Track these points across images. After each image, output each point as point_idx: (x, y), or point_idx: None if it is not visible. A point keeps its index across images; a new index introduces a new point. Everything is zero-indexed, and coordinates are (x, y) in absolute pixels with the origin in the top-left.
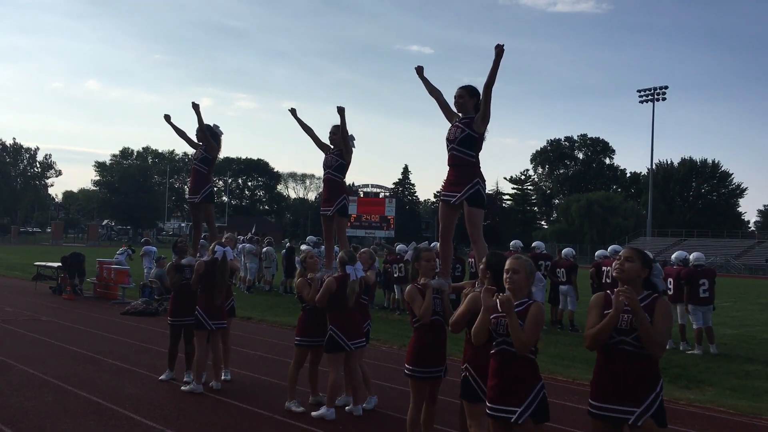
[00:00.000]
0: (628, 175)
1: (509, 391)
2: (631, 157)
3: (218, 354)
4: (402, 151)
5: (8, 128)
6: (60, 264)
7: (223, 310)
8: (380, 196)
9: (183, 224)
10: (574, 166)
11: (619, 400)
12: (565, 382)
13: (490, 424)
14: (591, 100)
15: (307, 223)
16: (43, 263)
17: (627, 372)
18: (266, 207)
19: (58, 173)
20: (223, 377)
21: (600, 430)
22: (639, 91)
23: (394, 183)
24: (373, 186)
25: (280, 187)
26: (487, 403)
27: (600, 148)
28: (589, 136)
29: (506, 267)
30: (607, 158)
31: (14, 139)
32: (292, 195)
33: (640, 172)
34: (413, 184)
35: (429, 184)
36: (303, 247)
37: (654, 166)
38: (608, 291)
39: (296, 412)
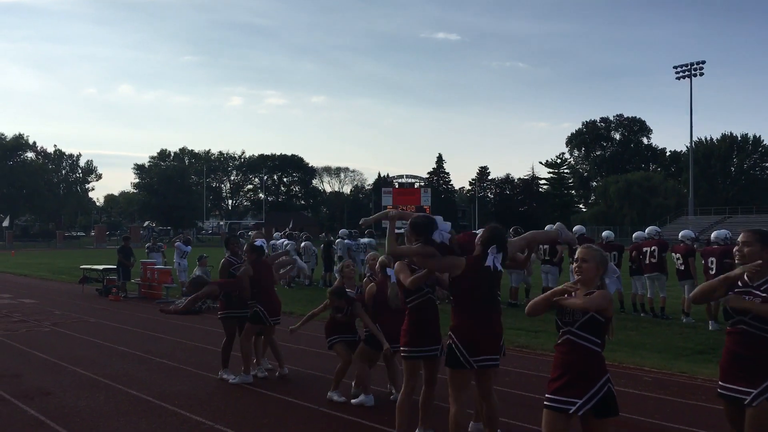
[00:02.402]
0: (668, 153)
1: (571, 382)
2: (670, 136)
3: (275, 344)
4: (435, 141)
5: (49, 136)
6: (117, 252)
7: (279, 306)
8: (415, 186)
9: (221, 223)
10: (611, 147)
11: (737, 381)
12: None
13: (548, 415)
14: (626, 79)
15: (344, 217)
16: (89, 266)
17: (744, 353)
18: (302, 202)
19: (99, 177)
20: (278, 372)
21: (727, 411)
22: (675, 67)
23: (428, 172)
24: (407, 176)
25: (315, 182)
26: (547, 394)
27: (637, 127)
28: (625, 116)
29: (576, 256)
30: (645, 138)
31: (55, 146)
32: (327, 189)
33: (680, 151)
34: (448, 173)
35: (464, 172)
36: (337, 240)
37: (693, 144)
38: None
39: (338, 402)
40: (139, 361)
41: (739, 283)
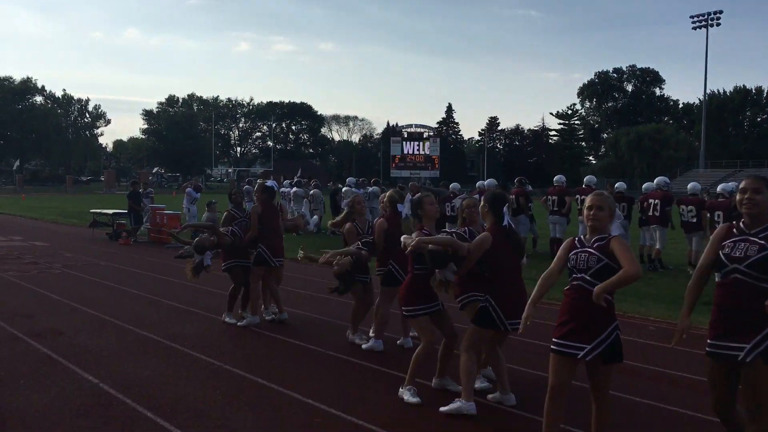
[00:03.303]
0: (681, 105)
1: (580, 328)
2: (683, 88)
3: (275, 289)
4: (445, 90)
5: (57, 80)
6: (127, 197)
7: (282, 247)
8: (424, 136)
9: (230, 170)
10: (623, 99)
11: (729, 336)
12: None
13: (555, 360)
14: (640, 29)
15: (352, 166)
16: (99, 210)
17: (739, 304)
18: (311, 150)
19: (108, 122)
20: (278, 317)
21: (715, 371)
22: (692, 16)
23: (438, 122)
24: (416, 126)
25: (323, 130)
26: (555, 339)
27: (650, 78)
28: (638, 67)
29: (589, 203)
30: (658, 89)
31: (64, 90)
32: (336, 138)
33: (693, 103)
34: (457, 123)
35: (473, 122)
36: (344, 189)
37: (706, 96)
38: (733, 222)
39: (358, 343)
40: (149, 303)
41: (735, 231)
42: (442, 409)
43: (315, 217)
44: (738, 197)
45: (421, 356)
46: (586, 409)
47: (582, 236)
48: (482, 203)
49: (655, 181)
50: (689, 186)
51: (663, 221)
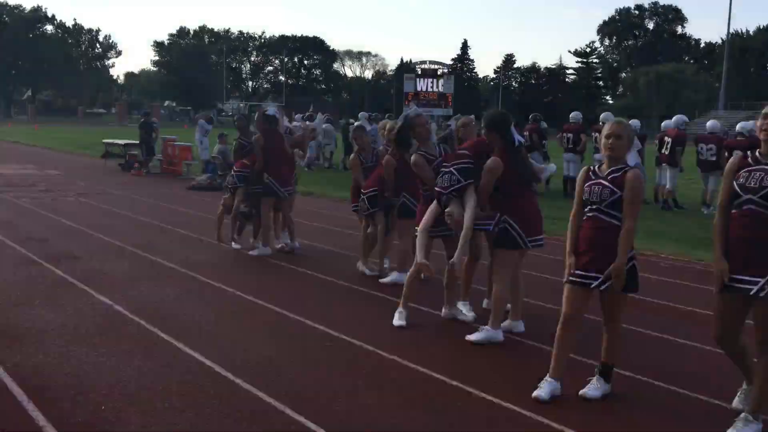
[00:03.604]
0: (702, 45)
1: (595, 259)
2: (706, 26)
3: (289, 218)
4: (460, 26)
5: (66, 9)
6: (138, 128)
7: (291, 176)
8: (438, 73)
9: (242, 104)
10: (644, 37)
11: (742, 270)
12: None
13: (570, 291)
14: None
15: (364, 102)
16: (111, 141)
17: (753, 237)
18: (323, 86)
19: (119, 54)
20: (292, 246)
21: (724, 304)
22: None
23: (452, 59)
24: (431, 62)
25: (336, 66)
26: (572, 270)
27: (672, 16)
28: (660, 4)
29: (607, 132)
30: (679, 27)
31: (75, 20)
32: (349, 74)
33: (714, 43)
34: (472, 60)
35: (489, 59)
36: (355, 123)
37: (729, 36)
38: (748, 152)
39: (367, 274)
40: (161, 231)
41: (750, 160)
42: (469, 337)
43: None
44: (759, 123)
45: (411, 278)
46: (597, 340)
47: (596, 167)
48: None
49: (673, 119)
50: (708, 124)
51: (672, 161)
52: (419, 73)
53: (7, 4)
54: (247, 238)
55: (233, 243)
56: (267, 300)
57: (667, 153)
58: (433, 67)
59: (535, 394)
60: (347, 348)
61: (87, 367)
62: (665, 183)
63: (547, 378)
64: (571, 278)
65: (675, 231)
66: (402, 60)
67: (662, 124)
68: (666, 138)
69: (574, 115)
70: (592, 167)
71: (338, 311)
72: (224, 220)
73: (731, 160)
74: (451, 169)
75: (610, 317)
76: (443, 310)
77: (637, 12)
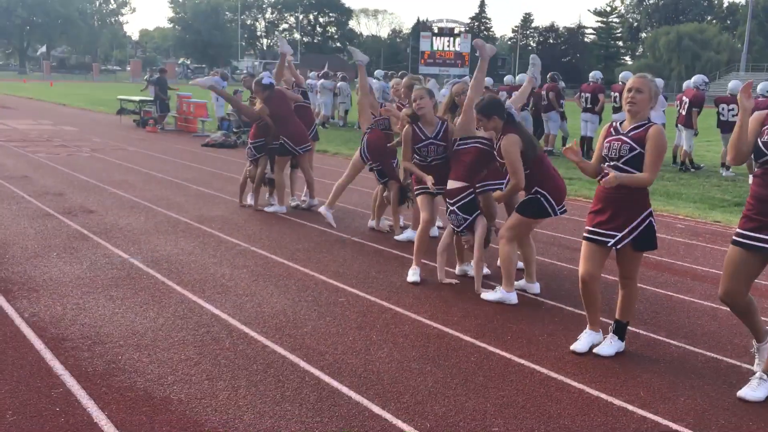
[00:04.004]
0: (725, 5)
1: (612, 216)
2: None
3: (309, 174)
4: None
5: None
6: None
7: (305, 133)
8: (455, 32)
9: (257, 62)
10: None
11: (765, 229)
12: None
13: (587, 247)
14: None
15: (380, 61)
16: (126, 97)
17: None
18: (338, 44)
19: (133, 10)
20: (311, 203)
21: (740, 261)
22: None
23: (469, 18)
24: (447, 21)
25: (352, 23)
26: (587, 227)
27: None
28: None
29: (629, 86)
30: None
31: None
32: (365, 32)
33: (738, 2)
34: (490, 19)
35: (507, 18)
36: (372, 81)
37: None
38: None
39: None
40: (176, 187)
41: None
42: (483, 295)
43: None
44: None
45: (421, 234)
46: (612, 298)
47: (618, 122)
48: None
49: (692, 78)
50: (730, 84)
51: (688, 122)
52: (435, 31)
53: None
54: (263, 195)
55: (244, 202)
56: (280, 255)
57: (684, 113)
58: (449, 25)
59: (572, 347)
60: (360, 303)
61: (103, 318)
62: (681, 144)
63: (587, 330)
64: (587, 236)
65: (692, 192)
66: (418, 18)
67: (684, 84)
68: (684, 98)
69: (594, 75)
70: (614, 123)
71: (352, 267)
72: (246, 186)
73: (755, 114)
74: (454, 208)
75: (626, 275)
76: (457, 268)
77: None
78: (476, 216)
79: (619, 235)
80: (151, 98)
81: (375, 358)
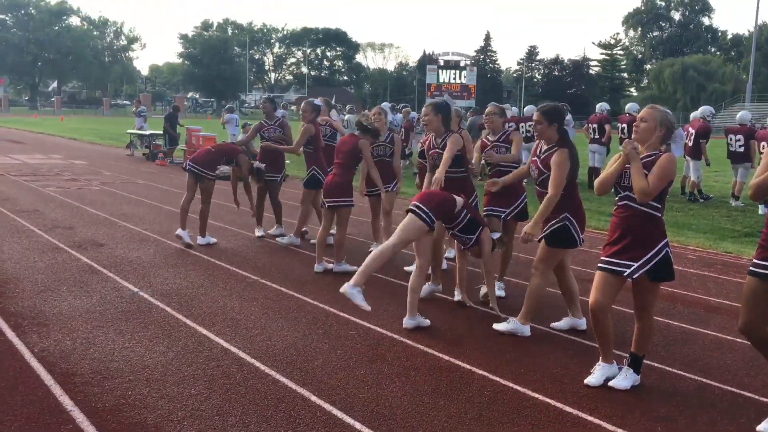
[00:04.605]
0: (729, 36)
1: (629, 246)
2: (733, 17)
3: (309, 209)
4: (483, 17)
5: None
6: (163, 128)
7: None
8: (461, 65)
9: (265, 95)
10: (670, 28)
11: None
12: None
13: (601, 278)
14: None
15: (387, 94)
16: (136, 131)
17: None
18: (345, 78)
19: (143, 46)
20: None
21: (758, 292)
22: None
23: (475, 51)
24: (453, 54)
25: (359, 57)
26: (602, 257)
27: (699, 7)
28: None
29: (638, 116)
30: (706, 18)
31: (100, 12)
32: (371, 65)
33: (742, 34)
34: (495, 52)
35: (511, 51)
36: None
37: (757, 27)
38: None
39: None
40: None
41: None
42: (495, 326)
43: None
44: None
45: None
46: (627, 330)
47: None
48: (539, 118)
49: (699, 109)
50: (738, 115)
51: (695, 153)
52: (442, 64)
53: None
54: (270, 225)
55: (256, 230)
56: (290, 287)
57: (691, 145)
58: (455, 58)
59: (587, 380)
60: (371, 335)
61: (113, 352)
62: (689, 175)
63: (600, 363)
64: (602, 266)
65: (702, 223)
66: (424, 51)
67: (691, 115)
68: (691, 129)
69: (600, 106)
70: None
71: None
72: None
73: None
74: (455, 232)
75: (642, 306)
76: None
77: (663, 3)
78: (480, 231)
79: (635, 265)
80: (161, 132)
81: (387, 392)
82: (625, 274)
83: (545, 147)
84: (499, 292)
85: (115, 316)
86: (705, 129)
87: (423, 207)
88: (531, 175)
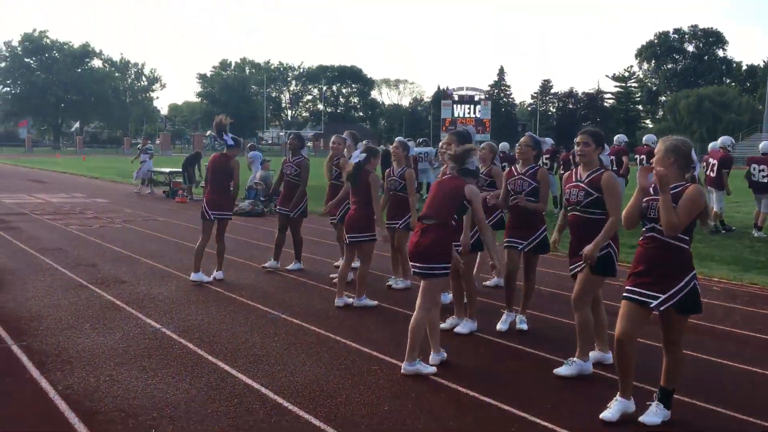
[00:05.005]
0: (744, 67)
1: (656, 278)
2: (747, 48)
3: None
4: (497, 52)
5: (114, 44)
6: (182, 166)
7: None
8: (475, 99)
9: (281, 133)
10: (684, 60)
11: None
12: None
13: (627, 307)
14: None
15: (402, 129)
16: (156, 169)
17: None
18: (360, 114)
19: (163, 86)
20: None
21: None
22: None
23: (489, 85)
24: (467, 89)
25: (374, 93)
26: (628, 287)
27: (712, 39)
28: (700, 27)
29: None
30: (720, 50)
31: (121, 54)
32: (386, 101)
33: (757, 65)
34: (509, 86)
35: (525, 85)
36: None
37: None
38: None
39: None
40: (206, 256)
41: None
42: (557, 371)
43: None
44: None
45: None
46: (656, 364)
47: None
48: (586, 139)
49: (719, 140)
50: (761, 145)
51: (718, 184)
52: (456, 99)
53: (57, 40)
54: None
55: (271, 263)
56: (312, 322)
57: (713, 176)
58: (469, 93)
59: (602, 415)
60: (394, 370)
61: (137, 390)
62: (712, 206)
63: (617, 397)
64: (627, 295)
65: (725, 254)
66: (438, 87)
67: (709, 145)
68: (711, 160)
69: (618, 138)
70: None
71: (382, 332)
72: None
73: None
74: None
75: (671, 339)
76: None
77: (676, 36)
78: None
79: (663, 297)
80: (180, 169)
81: (412, 428)
82: (652, 306)
83: (587, 171)
84: (522, 326)
85: (137, 353)
86: (727, 159)
87: (416, 264)
88: (568, 202)
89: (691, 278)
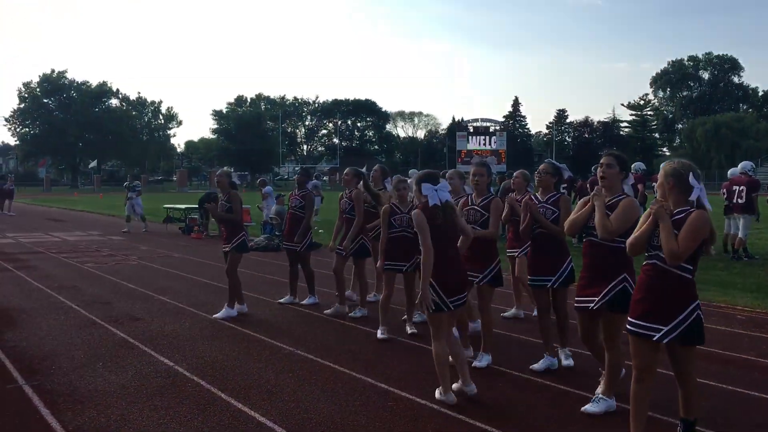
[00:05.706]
0: (760, 93)
1: (657, 308)
2: (763, 74)
3: (364, 279)
4: (511, 83)
5: (131, 83)
6: (197, 206)
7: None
8: (491, 130)
9: (297, 168)
10: (699, 88)
11: None
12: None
13: (634, 343)
14: (716, 14)
15: (417, 162)
16: (172, 206)
17: None
18: (376, 147)
19: (180, 124)
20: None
21: None
22: None
23: (504, 116)
24: (482, 120)
25: (389, 127)
26: (630, 319)
27: (728, 66)
28: (715, 54)
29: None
30: (736, 77)
31: (139, 93)
32: (402, 134)
33: None
34: (524, 116)
35: (541, 115)
36: (408, 181)
37: None
38: None
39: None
40: (221, 292)
41: None
42: (585, 408)
43: None
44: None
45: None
46: (671, 398)
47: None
48: (611, 161)
49: (739, 165)
50: None
51: (748, 209)
52: (471, 131)
53: (74, 80)
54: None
55: (288, 298)
56: (326, 358)
57: (741, 201)
58: (485, 124)
59: None
60: (410, 406)
61: (147, 429)
62: (735, 232)
63: None
64: (631, 329)
65: (748, 282)
66: (453, 118)
67: (729, 171)
68: (734, 187)
69: (635, 166)
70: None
71: (397, 367)
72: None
73: None
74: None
75: (681, 369)
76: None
77: (691, 63)
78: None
79: (665, 328)
80: (196, 206)
81: None
82: (655, 338)
83: (608, 197)
84: (568, 362)
85: (150, 391)
86: (754, 183)
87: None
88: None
89: (693, 308)
